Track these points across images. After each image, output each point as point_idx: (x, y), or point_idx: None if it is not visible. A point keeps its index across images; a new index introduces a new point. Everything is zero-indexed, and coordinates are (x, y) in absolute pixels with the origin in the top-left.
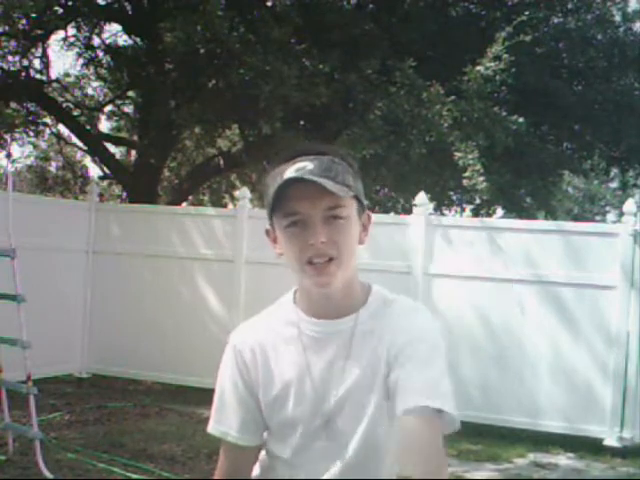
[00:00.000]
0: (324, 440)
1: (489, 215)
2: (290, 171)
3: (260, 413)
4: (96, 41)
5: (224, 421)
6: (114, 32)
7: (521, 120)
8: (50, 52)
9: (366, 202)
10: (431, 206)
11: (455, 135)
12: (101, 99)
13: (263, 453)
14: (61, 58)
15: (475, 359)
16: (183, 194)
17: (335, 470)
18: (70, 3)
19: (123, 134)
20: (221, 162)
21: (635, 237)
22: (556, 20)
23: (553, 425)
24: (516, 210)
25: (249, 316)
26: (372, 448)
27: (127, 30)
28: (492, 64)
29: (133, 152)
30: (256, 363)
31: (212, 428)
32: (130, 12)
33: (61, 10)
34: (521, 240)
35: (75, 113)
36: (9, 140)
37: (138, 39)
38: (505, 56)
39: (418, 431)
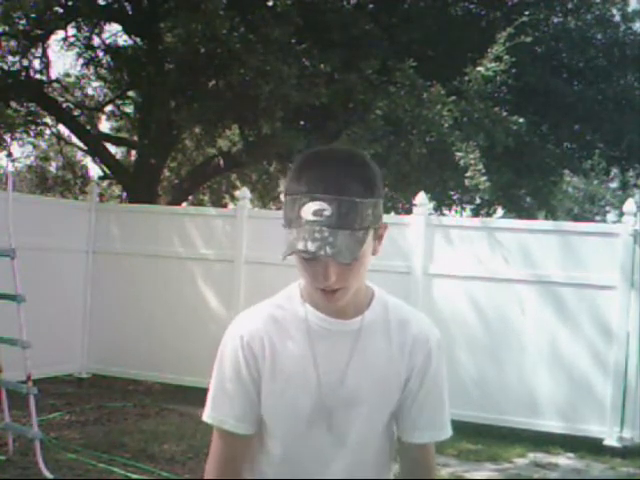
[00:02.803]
0: (324, 432)
1: (489, 215)
2: (306, 212)
3: (259, 404)
4: (96, 41)
5: (222, 409)
6: (114, 32)
7: (521, 120)
8: (50, 52)
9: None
10: (431, 206)
11: (456, 135)
12: (101, 99)
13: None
14: (61, 58)
15: (475, 359)
16: (183, 194)
17: (333, 463)
18: (70, 3)
19: (123, 134)
20: (221, 162)
21: (635, 237)
22: (556, 20)
23: (553, 425)
24: (516, 210)
25: None
26: (371, 444)
27: (127, 30)
28: (493, 65)
29: (133, 152)
30: (264, 354)
31: (208, 416)
32: (130, 12)
33: (61, 10)
34: (521, 240)
35: (75, 113)
36: (9, 140)
37: (138, 39)
38: (506, 57)
39: (424, 458)
